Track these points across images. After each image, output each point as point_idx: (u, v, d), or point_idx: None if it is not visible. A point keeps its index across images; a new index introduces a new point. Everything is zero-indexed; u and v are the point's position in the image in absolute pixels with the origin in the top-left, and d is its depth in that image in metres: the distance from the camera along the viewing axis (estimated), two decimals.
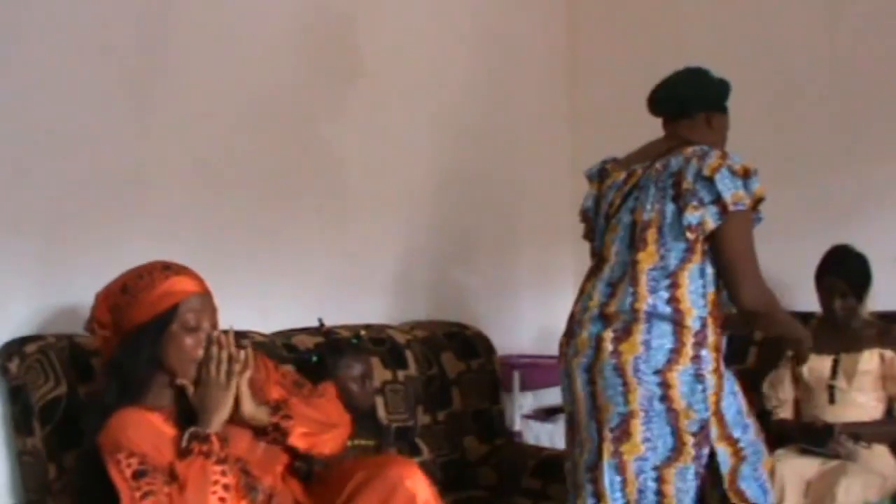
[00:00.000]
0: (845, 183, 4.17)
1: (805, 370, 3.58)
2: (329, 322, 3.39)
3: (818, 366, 3.56)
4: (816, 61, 4.28)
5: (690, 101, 3.02)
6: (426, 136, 4.25)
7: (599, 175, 3.11)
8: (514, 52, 4.74)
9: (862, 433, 3.40)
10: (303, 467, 2.67)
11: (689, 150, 2.88)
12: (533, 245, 4.83)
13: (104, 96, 3.17)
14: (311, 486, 2.63)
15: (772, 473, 3.13)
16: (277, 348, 3.26)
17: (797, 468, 3.30)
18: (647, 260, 2.82)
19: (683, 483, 2.76)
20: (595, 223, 3.08)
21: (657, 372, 2.74)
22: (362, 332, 3.45)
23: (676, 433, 2.74)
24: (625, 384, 2.75)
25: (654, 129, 4.78)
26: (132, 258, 3.07)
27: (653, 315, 2.76)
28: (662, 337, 2.76)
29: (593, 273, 3.01)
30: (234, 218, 3.43)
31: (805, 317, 3.87)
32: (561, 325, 4.97)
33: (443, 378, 3.81)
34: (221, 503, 2.30)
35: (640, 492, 2.75)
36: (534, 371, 4.40)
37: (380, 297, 3.97)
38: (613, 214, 2.96)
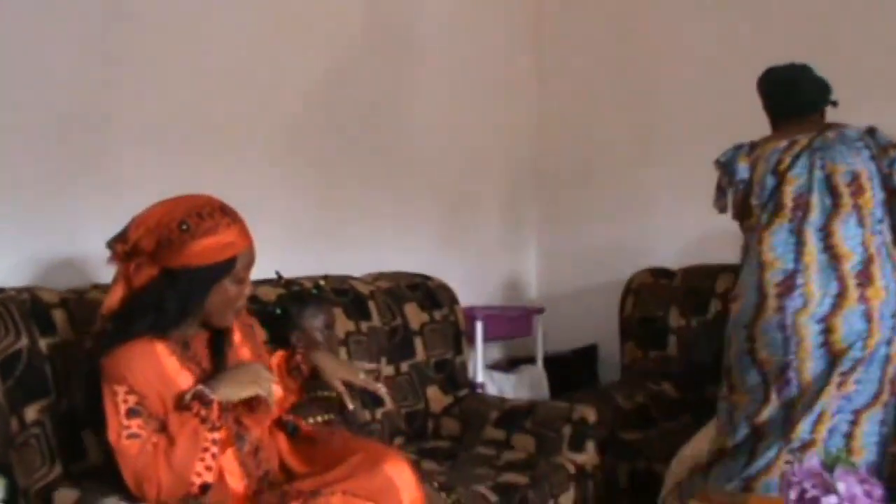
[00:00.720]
0: None
1: None
2: (289, 274, 3.38)
3: None
4: (772, 30, 4.30)
5: (821, 99, 3.19)
6: (386, 92, 4.22)
7: (736, 156, 3.17)
8: (483, 11, 4.72)
9: None
10: (290, 423, 2.67)
11: (851, 127, 3.11)
12: (497, 197, 4.83)
13: (69, 43, 3.09)
14: (297, 444, 2.62)
15: None
16: None
17: None
18: (868, 203, 2.99)
19: (874, 427, 2.94)
20: (752, 189, 3.11)
21: (893, 315, 2.93)
22: (321, 282, 3.43)
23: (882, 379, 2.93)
24: (869, 330, 2.89)
25: (618, 82, 4.80)
26: (89, 213, 3.06)
27: (886, 258, 2.95)
28: (892, 279, 2.94)
29: (782, 227, 3.04)
30: (194, 172, 3.37)
31: None
32: (525, 277, 5.03)
33: (406, 329, 3.81)
34: (207, 471, 2.29)
35: (830, 431, 2.92)
36: (496, 322, 4.42)
37: (344, 250, 3.95)
38: (786, 171, 3.04)
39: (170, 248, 2.34)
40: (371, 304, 3.70)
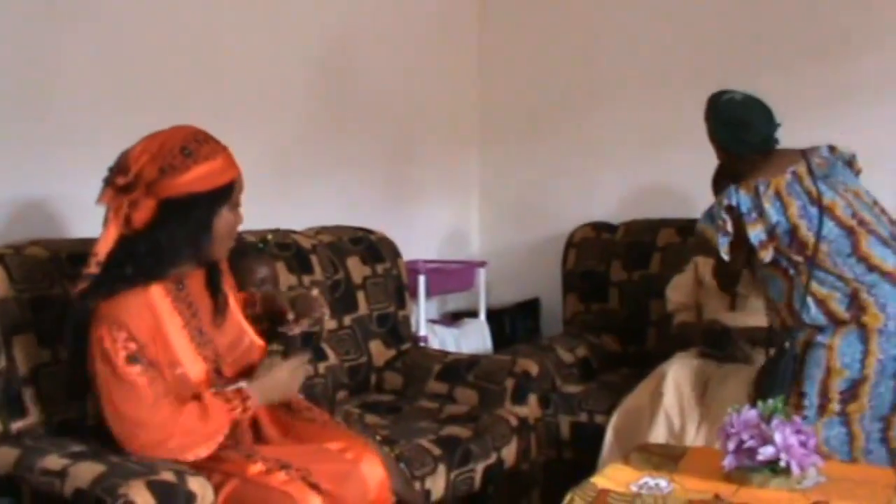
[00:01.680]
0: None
1: (707, 278, 3.66)
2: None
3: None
4: None
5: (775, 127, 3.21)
6: (322, 39, 4.17)
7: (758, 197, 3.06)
8: None
9: (758, 337, 3.50)
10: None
11: (821, 148, 3.18)
12: (438, 150, 4.81)
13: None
14: (274, 408, 2.60)
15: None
16: None
17: (695, 369, 3.39)
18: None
19: None
20: (797, 224, 3.03)
21: None
22: (269, 237, 3.40)
23: None
24: None
25: (563, 36, 4.77)
26: (33, 163, 3.00)
27: None
28: None
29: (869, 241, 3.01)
30: (140, 120, 3.31)
31: None
32: (467, 231, 5.03)
33: (348, 283, 3.79)
34: (205, 452, 2.35)
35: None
36: (439, 276, 4.42)
37: (286, 204, 3.91)
38: (821, 197, 3.02)
39: (172, 174, 2.31)
40: (313, 259, 3.67)
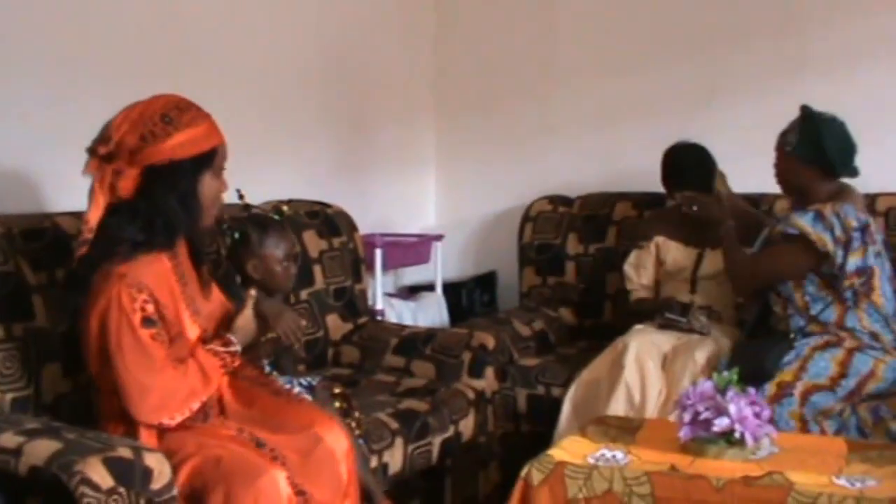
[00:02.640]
0: (701, 68, 4.27)
1: (669, 260, 3.68)
2: None
3: (682, 257, 3.66)
4: None
5: None
6: (277, 13, 4.12)
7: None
8: None
9: (715, 308, 3.55)
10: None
11: None
12: (395, 124, 4.79)
13: None
14: (237, 381, 2.64)
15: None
16: None
17: (655, 341, 3.42)
18: None
19: None
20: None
21: None
22: (284, 208, 3.28)
23: None
24: None
25: (521, 5, 4.75)
26: None
27: None
28: None
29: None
30: (109, 91, 3.27)
31: (662, 197, 3.98)
32: (424, 204, 5.02)
33: (304, 257, 3.77)
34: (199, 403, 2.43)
35: None
36: (396, 250, 4.42)
37: (241, 177, 3.87)
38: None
39: (154, 141, 2.35)
40: None
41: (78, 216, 2.91)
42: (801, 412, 3.07)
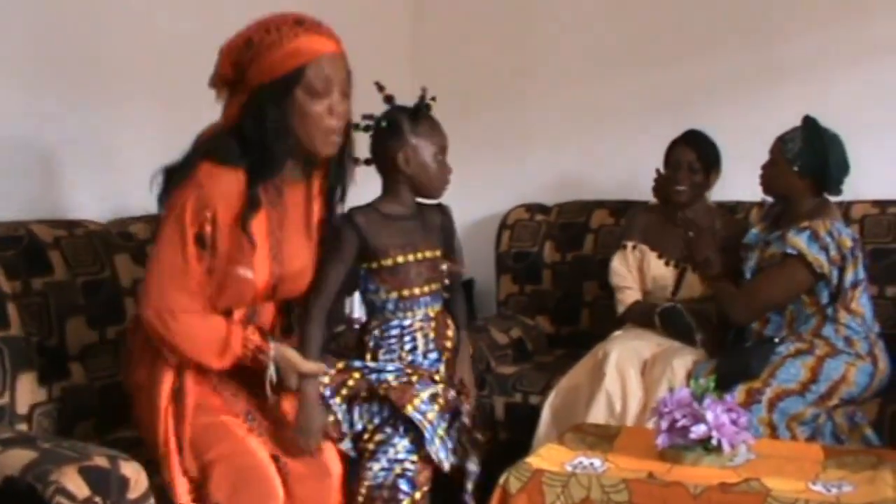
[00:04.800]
0: (678, 74, 4.28)
1: (649, 279, 3.68)
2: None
3: (662, 275, 3.66)
4: None
5: None
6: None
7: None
8: None
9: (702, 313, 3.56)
10: None
11: None
12: None
13: None
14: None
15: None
16: (113, 237, 3.13)
17: (636, 348, 3.42)
18: None
19: None
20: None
21: None
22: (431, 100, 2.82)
23: None
24: None
25: (497, 14, 4.74)
26: None
27: None
28: None
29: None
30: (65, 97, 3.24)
31: (640, 205, 3.98)
32: None
33: None
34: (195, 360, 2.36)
35: None
36: None
37: None
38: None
39: (242, 70, 2.29)
40: None
41: (52, 224, 2.92)
42: (769, 418, 3.08)
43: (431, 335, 2.70)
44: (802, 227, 3.25)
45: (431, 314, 2.71)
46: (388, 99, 2.65)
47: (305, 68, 2.29)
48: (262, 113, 2.28)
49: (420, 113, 2.67)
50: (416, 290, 2.67)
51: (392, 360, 2.65)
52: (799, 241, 3.23)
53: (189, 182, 2.26)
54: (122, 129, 3.37)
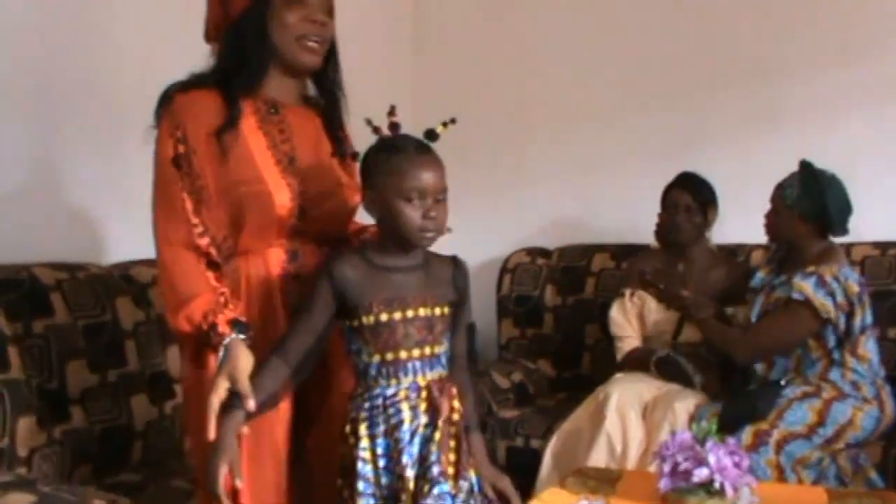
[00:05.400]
0: (678, 118, 4.31)
1: (650, 323, 3.68)
2: None
3: (663, 319, 3.66)
4: (655, 3, 4.39)
5: None
6: None
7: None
8: None
9: (700, 356, 3.55)
10: None
11: None
12: None
13: None
14: None
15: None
16: (115, 280, 3.14)
17: (637, 391, 3.41)
18: None
19: None
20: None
21: None
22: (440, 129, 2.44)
23: None
24: None
25: (495, 58, 4.77)
26: None
27: None
28: None
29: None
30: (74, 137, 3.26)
31: (640, 249, 4.00)
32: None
33: None
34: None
35: None
36: None
37: None
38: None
39: (228, 2, 2.27)
40: None
41: (54, 267, 2.92)
42: (776, 460, 3.07)
43: (422, 407, 2.16)
44: (809, 272, 3.25)
45: (422, 383, 2.17)
46: (393, 127, 2.28)
47: None
48: (240, 29, 2.27)
49: (399, 145, 2.21)
50: (403, 354, 2.15)
51: (376, 436, 2.14)
52: (806, 286, 3.23)
53: (164, 114, 2.23)
54: (123, 173, 3.37)
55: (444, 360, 2.25)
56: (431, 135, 2.28)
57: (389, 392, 2.15)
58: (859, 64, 4.01)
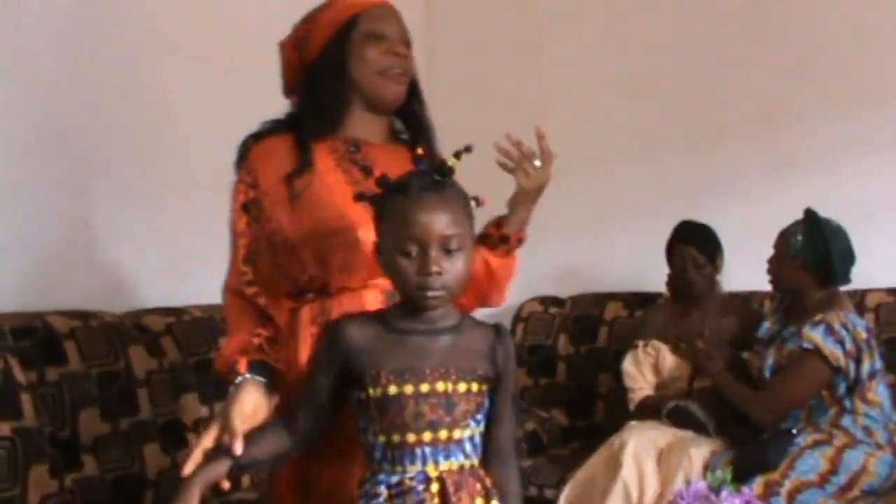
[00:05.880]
0: (688, 167, 4.32)
1: (665, 369, 3.67)
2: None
3: (678, 366, 3.65)
4: (662, 53, 4.42)
5: None
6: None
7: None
8: None
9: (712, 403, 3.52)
10: None
11: None
12: None
13: None
14: None
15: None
16: (128, 329, 3.14)
17: (652, 438, 3.39)
18: None
19: None
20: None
21: None
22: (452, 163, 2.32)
23: None
24: None
25: (504, 103, 4.80)
26: None
27: None
28: None
29: None
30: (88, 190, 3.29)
31: (653, 297, 3.99)
32: None
33: None
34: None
35: None
36: None
37: None
38: None
39: (306, 45, 2.29)
40: None
41: (68, 315, 2.93)
42: None
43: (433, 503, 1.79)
44: (817, 320, 3.24)
45: (432, 473, 1.79)
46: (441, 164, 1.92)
47: (359, 15, 2.26)
48: (318, 71, 2.27)
49: (402, 183, 1.84)
50: (411, 437, 1.79)
51: None
52: (815, 335, 3.22)
53: (242, 164, 2.26)
54: (137, 222, 3.40)
55: (468, 447, 1.84)
56: (443, 170, 1.88)
57: (394, 480, 1.80)
58: (866, 112, 4.02)
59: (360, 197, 1.93)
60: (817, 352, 3.20)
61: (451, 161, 1.91)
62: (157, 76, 3.45)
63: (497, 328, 1.98)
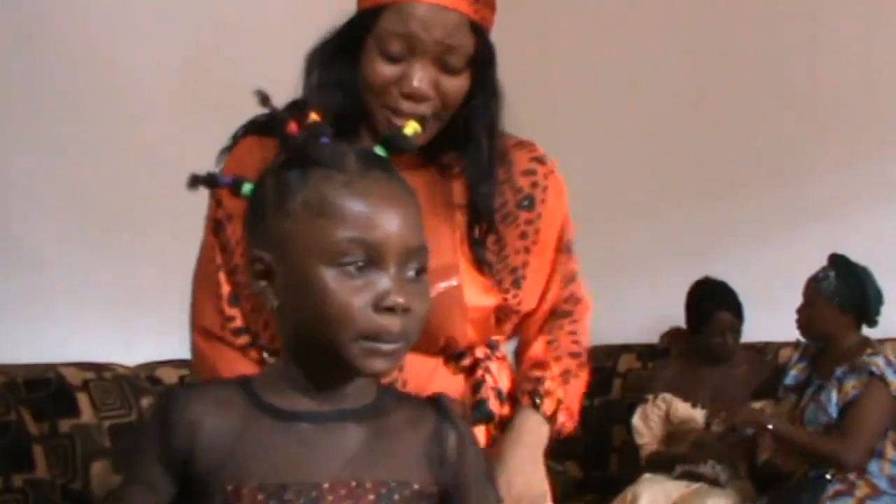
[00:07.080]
0: (702, 217, 4.32)
1: (677, 420, 3.66)
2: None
3: (691, 416, 3.63)
4: (676, 104, 4.43)
5: None
6: None
7: None
8: None
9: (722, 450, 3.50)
10: None
11: None
12: None
13: None
14: None
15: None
16: (141, 381, 3.15)
17: (665, 489, 3.37)
18: None
19: None
20: None
21: None
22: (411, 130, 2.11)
23: None
24: None
25: None
26: None
27: None
28: None
29: None
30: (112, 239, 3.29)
31: (667, 350, 3.98)
32: None
33: None
34: None
35: None
36: None
37: None
38: None
39: None
40: None
41: (81, 367, 2.94)
42: None
43: None
44: (870, 353, 3.21)
45: None
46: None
47: (383, 9, 1.53)
48: (328, 66, 1.61)
49: (320, 156, 1.13)
50: None
51: None
52: (878, 362, 3.18)
53: (227, 161, 1.63)
54: (148, 272, 3.41)
55: None
56: (396, 142, 1.20)
57: None
58: (881, 158, 4.02)
59: (207, 178, 1.19)
60: (882, 378, 3.15)
61: (409, 129, 1.22)
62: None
63: (438, 403, 1.19)
